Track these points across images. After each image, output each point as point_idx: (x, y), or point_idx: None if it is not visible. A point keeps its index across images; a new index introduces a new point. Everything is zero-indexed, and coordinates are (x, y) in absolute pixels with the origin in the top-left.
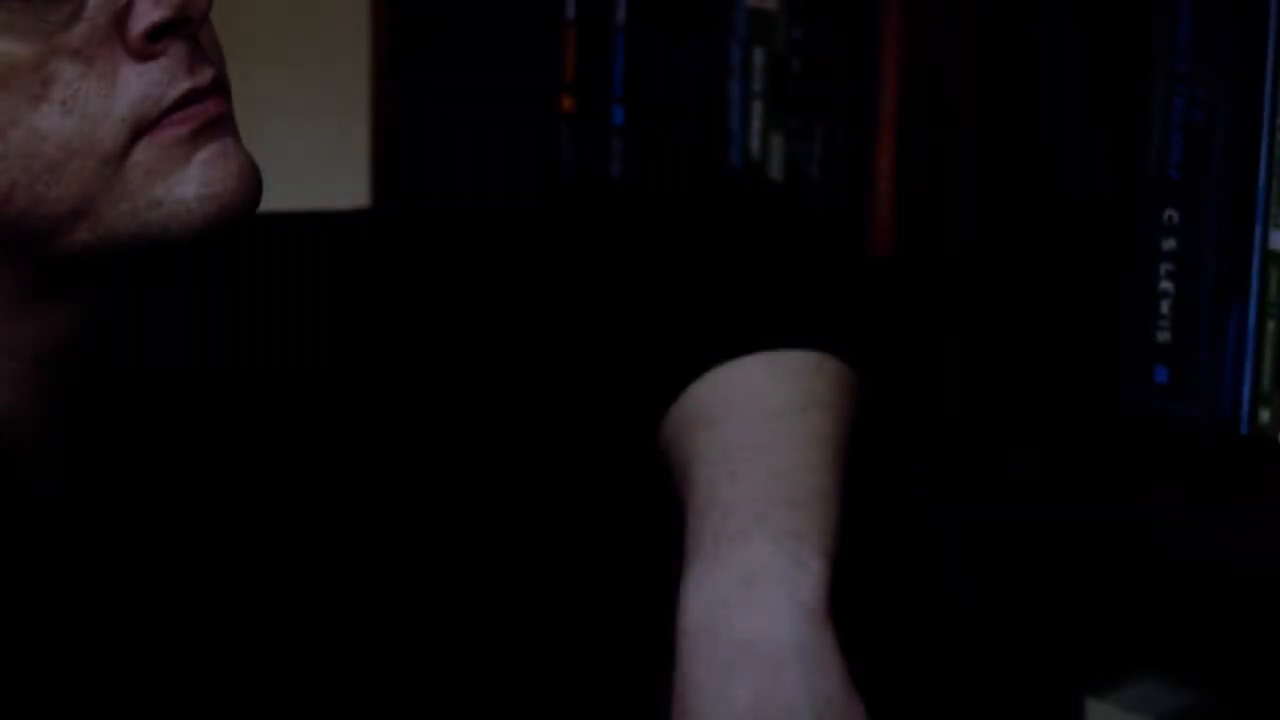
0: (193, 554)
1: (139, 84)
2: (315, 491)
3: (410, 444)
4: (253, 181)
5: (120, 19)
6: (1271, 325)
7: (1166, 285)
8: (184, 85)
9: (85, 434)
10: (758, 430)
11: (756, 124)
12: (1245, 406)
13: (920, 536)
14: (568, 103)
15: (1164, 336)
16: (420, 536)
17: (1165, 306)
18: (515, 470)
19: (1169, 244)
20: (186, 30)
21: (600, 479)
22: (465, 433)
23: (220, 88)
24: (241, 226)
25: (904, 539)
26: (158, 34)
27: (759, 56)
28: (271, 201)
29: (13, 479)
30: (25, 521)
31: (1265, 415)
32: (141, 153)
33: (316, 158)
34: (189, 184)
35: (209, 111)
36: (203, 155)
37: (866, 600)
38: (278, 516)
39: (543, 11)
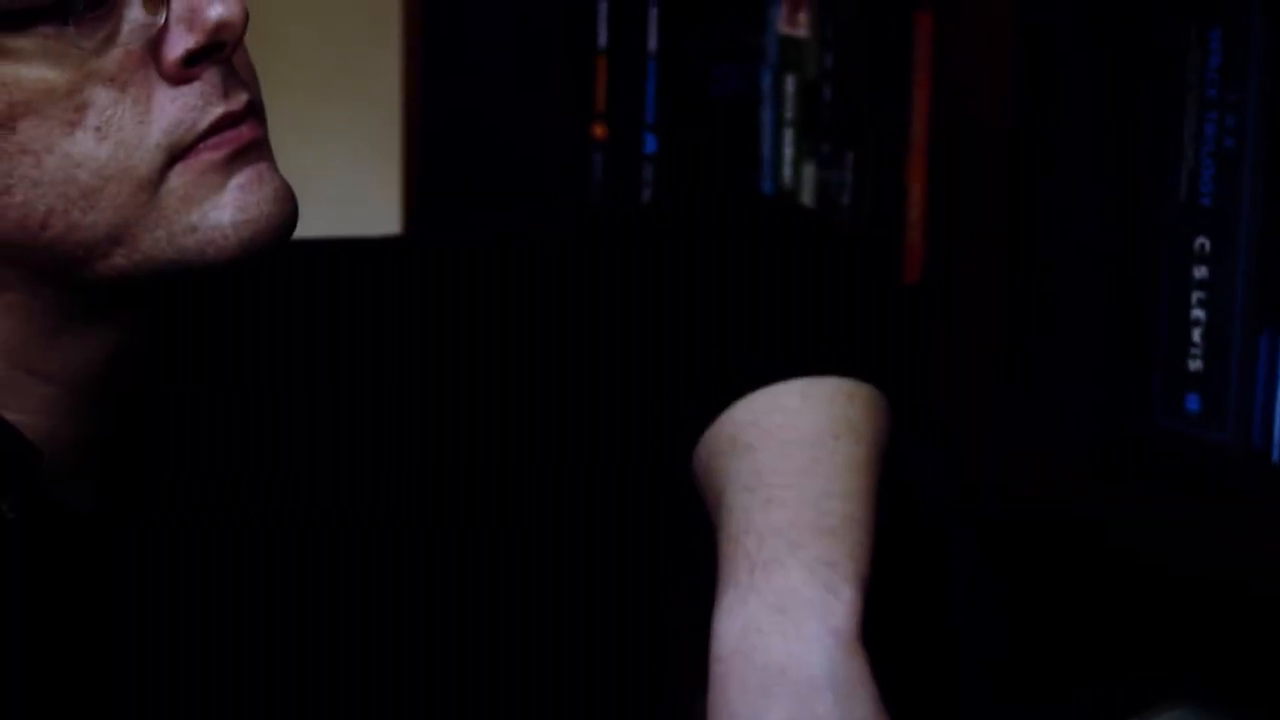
0: (222, 575)
1: (174, 109)
2: (347, 516)
3: (444, 470)
4: (288, 206)
5: (155, 45)
6: None
7: (1198, 313)
8: (219, 110)
9: (119, 455)
10: (791, 457)
11: (788, 151)
12: (1277, 434)
13: (947, 562)
14: (600, 130)
15: (1196, 364)
16: (455, 566)
17: (1197, 334)
18: (550, 496)
19: (1200, 272)
20: (221, 55)
21: (634, 505)
22: (500, 460)
23: (255, 112)
24: (277, 252)
25: (931, 564)
26: (193, 59)
27: (791, 84)
28: (304, 226)
29: (46, 499)
30: (57, 541)
31: None
32: (177, 178)
33: (349, 183)
34: (225, 209)
35: (244, 136)
36: (238, 180)
37: (896, 625)
38: (310, 540)
39: (575, 39)
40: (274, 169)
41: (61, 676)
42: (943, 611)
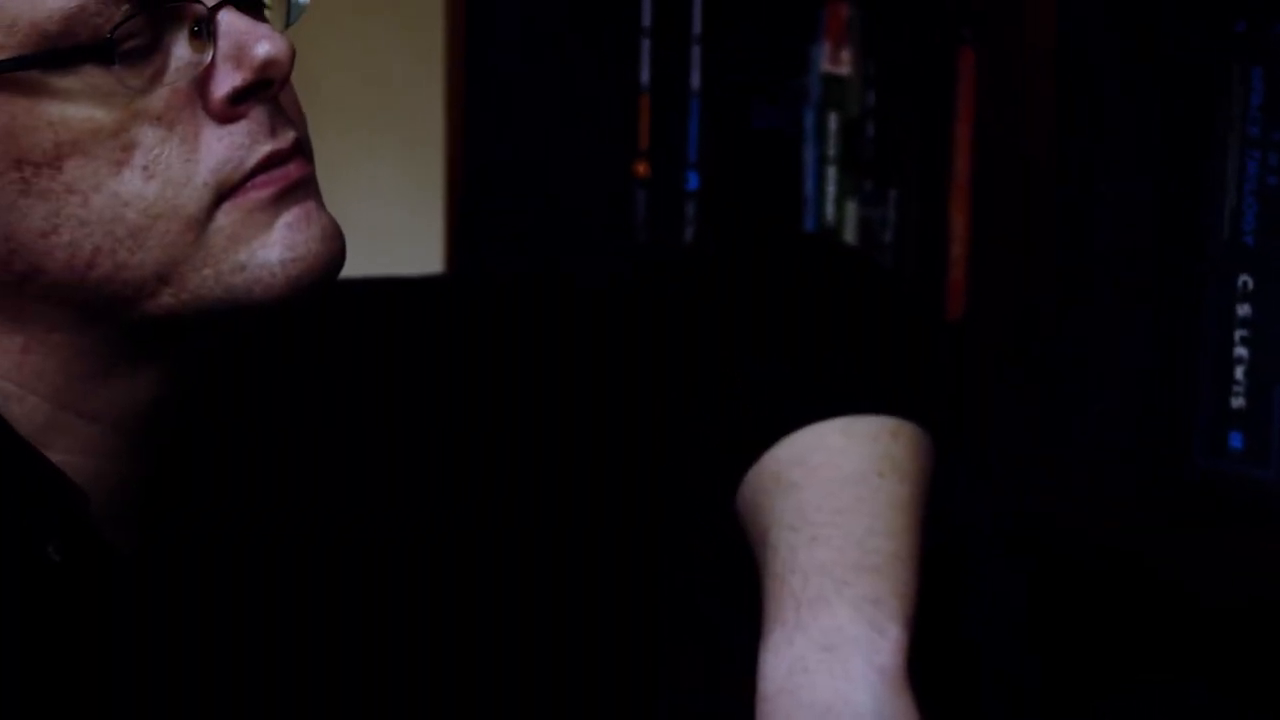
0: (266, 615)
1: (221, 148)
2: (393, 557)
3: (490, 510)
4: (336, 244)
5: (202, 83)
6: None
7: (1241, 351)
8: (266, 148)
9: (164, 495)
10: (836, 495)
11: (831, 189)
12: None
13: (990, 598)
14: (642, 168)
15: (1238, 402)
16: (505, 604)
17: (1240, 372)
18: (593, 534)
19: (1243, 309)
20: (268, 93)
21: (678, 542)
22: (548, 496)
23: (302, 150)
24: (326, 289)
25: (975, 601)
26: (239, 97)
27: (833, 121)
28: (350, 265)
29: (92, 540)
30: (102, 582)
31: None
32: (224, 217)
33: (393, 221)
34: (273, 248)
35: (291, 175)
36: (286, 218)
37: (942, 663)
38: (351, 580)
39: (618, 78)
40: (321, 207)
41: (106, 717)
42: (983, 646)
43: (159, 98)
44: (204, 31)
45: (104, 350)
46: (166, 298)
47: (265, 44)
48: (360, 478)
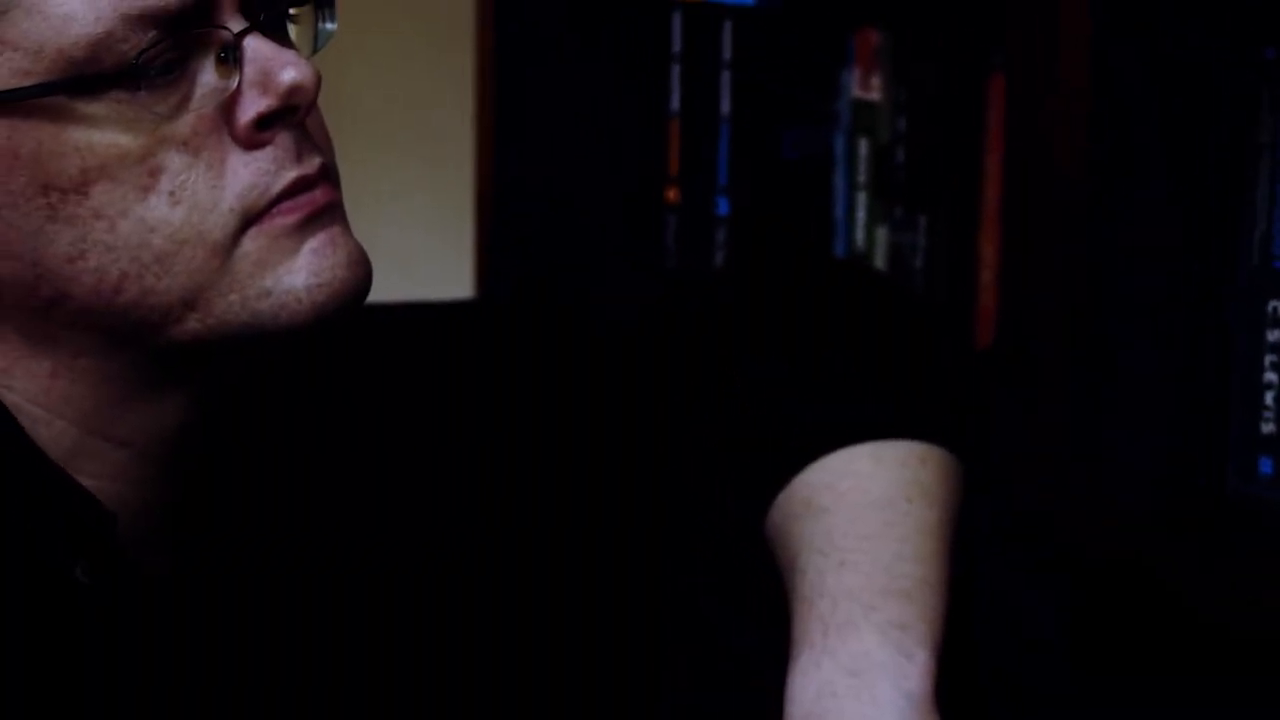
0: (296, 637)
1: (247, 173)
2: (419, 576)
3: (516, 531)
4: (362, 270)
5: (228, 108)
6: None
7: (1271, 376)
8: (292, 174)
9: (193, 519)
10: (865, 520)
11: (861, 214)
12: None
13: (1021, 623)
14: (672, 193)
15: (1269, 428)
16: (527, 627)
17: (1270, 397)
18: (621, 558)
19: (1274, 335)
20: (294, 119)
21: (708, 568)
22: (571, 523)
23: (329, 175)
24: (352, 315)
25: (1006, 625)
26: (265, 123)
27: (863, 147)
28: (376, 290)
29: (121, 563)
30: (132, 605)
31: None
32: (250, 242)
33: (421, 246)
34: (298, 273)
35: (317, 200)
36: (312, 244)
37: (971, 688)
38: (378, 604)
39: (648, 103)
40: (348, 232)
41: None
42: (1013, 671)
43: (185, 123)
44: (230, 57)
45: (131, 375)
46: (193, 323)
47: (291, 70)
48: (387, 502)
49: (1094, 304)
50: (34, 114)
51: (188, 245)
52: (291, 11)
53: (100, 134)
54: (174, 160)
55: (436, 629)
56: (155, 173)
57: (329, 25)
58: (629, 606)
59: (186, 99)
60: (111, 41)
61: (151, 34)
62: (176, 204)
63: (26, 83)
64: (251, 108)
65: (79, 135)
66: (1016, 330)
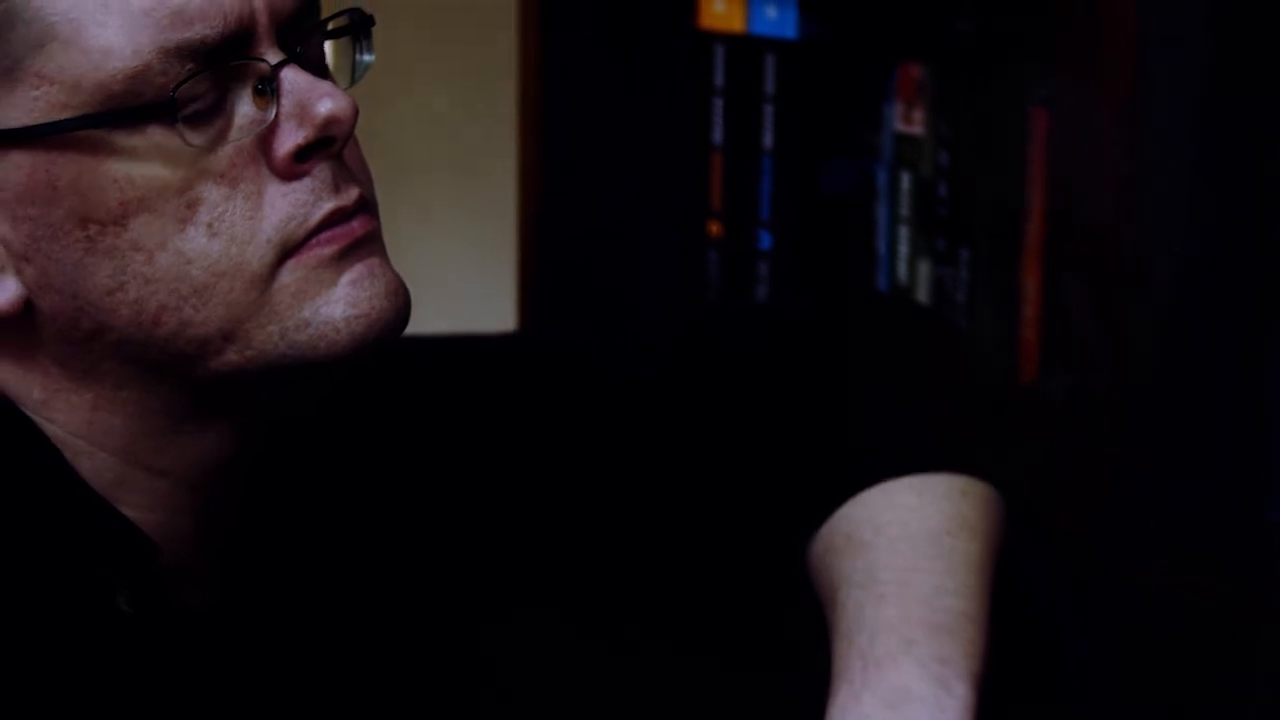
0: (337, 670)
1: (285, 205)
2: (459, 614)
3: (558, 566)
4: (401, 300)
5: (265, 140)
6: None
7: None
8: (329, 205)
9: (235, 551)
10: (906, 554)
11: (903, 248)
12: None
13: (1060, 653)
14: (715, 228)
15: None
16: (576, 663)
17: None
18: (664, 591)
19: None
20: (331, 150)
21: (749, 600)
22: (613, 557)
23: (367, 207)
24: (390, 346)
25: (1043, 655)
26: (303, 154)
27: (906, 181)
28: (417, 321)
29: (163, 594)
30: (173, 636)
31: None
32: (289, 274)
33: (464, 278)
34: (336, 305)
35: (355, 231)
36: (350, 275)
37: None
38: (422, 637)
39: (690, 136)
40: (386, 263)
41: None
42: (1056, 702)
43: (223, 155)
44: (267, 89)
45: (172, 407)
46: (232, 355)
47: (328, 101)
48: (425, 535)
49: (1134, 336)
50: (72, 147)
51: (226, 277)
52: (329, 43)
53: (138, 166)
54: (212, 192)
55: (475, 664)
56: (193, 205)
57: (367, 57)
58: (667, 643)
59: (224, 131)
60: (149, 74)
61: (189, 66)
62: (214, 236)
63: (64, 116)
64: (289, 139)
65: (117, 168)
66: (1059, 363)
